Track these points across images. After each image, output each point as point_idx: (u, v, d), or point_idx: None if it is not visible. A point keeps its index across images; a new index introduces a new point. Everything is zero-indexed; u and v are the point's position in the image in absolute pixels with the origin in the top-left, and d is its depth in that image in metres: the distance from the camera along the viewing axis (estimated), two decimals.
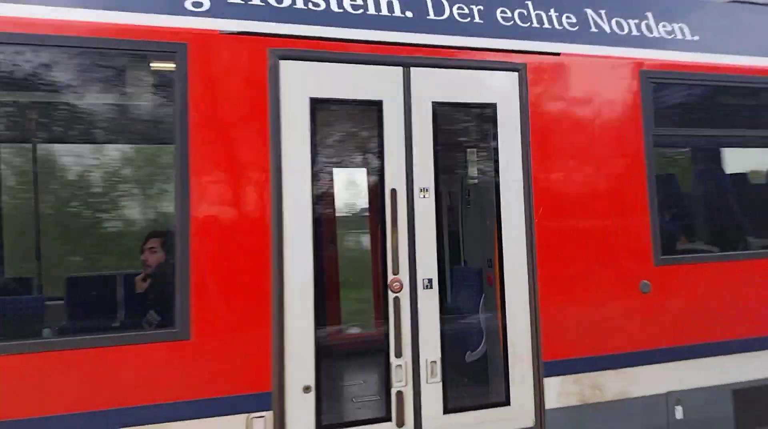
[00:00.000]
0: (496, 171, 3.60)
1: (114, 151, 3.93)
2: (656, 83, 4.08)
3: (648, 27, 4.18)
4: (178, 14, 3.11)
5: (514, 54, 3.74)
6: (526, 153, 3.65)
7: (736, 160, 4.49)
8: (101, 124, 3.43)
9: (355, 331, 3.43)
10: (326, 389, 3.24)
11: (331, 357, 3.43)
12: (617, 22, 4.11)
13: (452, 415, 3.42)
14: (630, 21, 4.12)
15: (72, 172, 3.89)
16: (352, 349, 3.50)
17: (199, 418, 2.98)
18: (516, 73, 3.70)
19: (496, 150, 3.61)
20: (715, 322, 4.05)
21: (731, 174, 4.56)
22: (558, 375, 3.70)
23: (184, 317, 2.96)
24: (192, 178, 3.02)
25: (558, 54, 3.87)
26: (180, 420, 2.95)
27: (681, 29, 4.25)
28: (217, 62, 3.13)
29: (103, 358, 2.84)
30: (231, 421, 3.04)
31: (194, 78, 3.07)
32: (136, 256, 3.45)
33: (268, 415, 3.09)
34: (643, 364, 3.89)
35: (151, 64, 3.15)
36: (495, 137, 3.62)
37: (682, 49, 4.19)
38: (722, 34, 4.31)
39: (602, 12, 4.07)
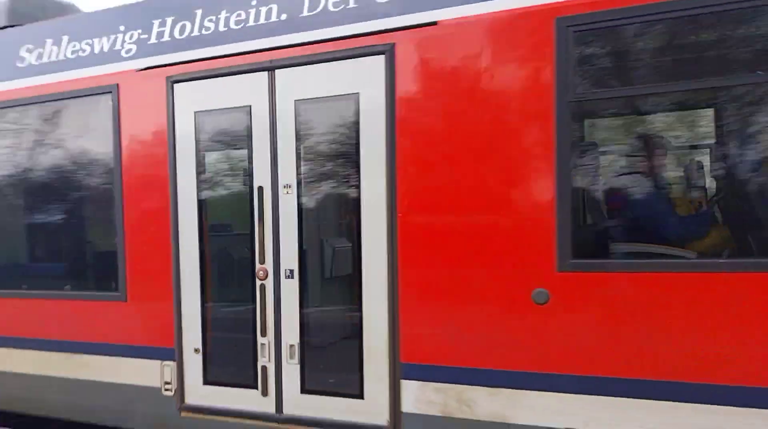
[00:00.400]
0: (357, 164, 3.49)
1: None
2: (580, 32, 3.02)
3: None
4: (114, 61, 4.18)
5: (380, 35, 3.44)
6: (390, 143, 3.39)
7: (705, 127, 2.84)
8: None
9: (234, 309, 3.96)
10: (211, 353, 3.98)
11: (215, 329, 4.09)
12: None
13: (309, 396, 3.69)
14: None
15: None
16: (232, 324, 4.05)
17: (128, 357, 4.18)
18: (382, 56, 3.42)
19: (357, 142, 3.49)
20: (647, 353, 2.93)
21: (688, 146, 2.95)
22: (417, 379, 3.43)
23: (122, 286, 4.17)
24: (125, 191, 4.13)
25: (435, 23, 3.32)
26: (114, 356, 4.21)
27: None
28: (136, 95, 4.10)
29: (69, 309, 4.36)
30: (150, 364, 4.14)
31: (124, 108, 4.12)
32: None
33: (173, 364, 4.07)
34: (531, 389, 3.18)
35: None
36: (357, 129, 3.49)
37: None
38: None
39: None
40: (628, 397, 2.97)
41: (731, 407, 2.79)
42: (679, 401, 2.89)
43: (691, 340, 2.85)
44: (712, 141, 3.57)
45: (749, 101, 2.88)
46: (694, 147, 3.79)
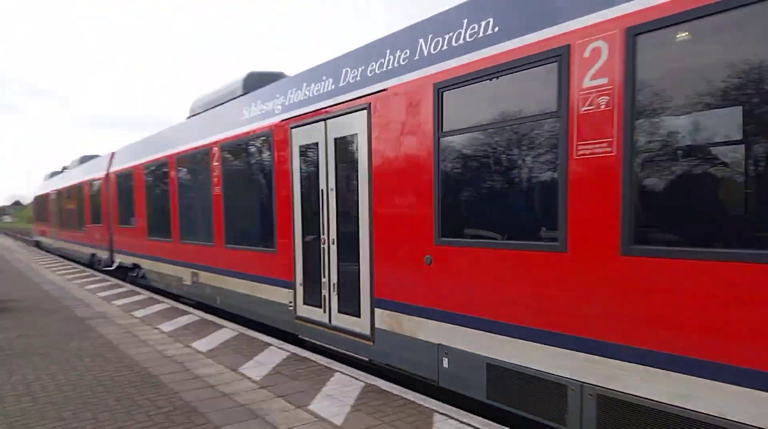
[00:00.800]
0: (356, 176, 6.17)
1: None
2: (443, 89, 5.08)
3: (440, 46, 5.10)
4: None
5: (365, 98, 5.98)
6: (368, 163, 5.93)
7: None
8: None
9: (315, 261, 7.06)
10: (305, 286, 7.16)
11: (307, 272, 7.17)
12: (419, 52, 5.31)
13: (341, 314, 6.64)
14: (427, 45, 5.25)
15: None
16: (315, 270, 7.04)
17: (276, 286, 7.60)
18: (365, 111, 6.01)
19: (357, 163, 6.14)
20: (481, 301, 4.85)
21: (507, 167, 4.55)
22: (381, 308, 6.00)
23: (274, 245, 7.63)
24: (276, 188, 7.52)
25: (385, 89, 5.71)
26: (270, 285, 7.76)
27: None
28: (281, 135, 7.40)
29: None
30: (285, 291, 7.52)
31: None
32: None
33: (292, 292, 7.39)
34: (423, 317, 5.49)
35: None
36: (355, 155, 6.15)
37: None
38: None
39: (400, 52, 5.54)
40: (471, 328, 5.02)
41: (530, 342, 4.48)
42: (492, 332, 4.79)
43: (497, 288, 4.71)
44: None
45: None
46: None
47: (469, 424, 4.72)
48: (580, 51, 3.99)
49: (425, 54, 5.26)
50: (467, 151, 4.90)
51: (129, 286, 13.67)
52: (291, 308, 7.44)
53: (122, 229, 14.69)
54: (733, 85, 3.32)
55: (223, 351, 7.25)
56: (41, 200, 29.81)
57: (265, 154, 7.82)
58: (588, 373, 4.06)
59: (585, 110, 3.96)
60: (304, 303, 7.18)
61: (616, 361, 3.89)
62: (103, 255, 16.95)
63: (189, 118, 10.97)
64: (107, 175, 15.95)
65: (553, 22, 4.18)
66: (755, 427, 3.29)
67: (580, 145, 4.01)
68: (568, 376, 4.18)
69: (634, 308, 3.76)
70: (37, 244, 32.55)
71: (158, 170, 11.85)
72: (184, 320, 9.34)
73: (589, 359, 4.04)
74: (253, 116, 8.14)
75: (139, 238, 13.27)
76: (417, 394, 5.50)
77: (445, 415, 4.94)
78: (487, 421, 4.85)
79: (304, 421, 4.83)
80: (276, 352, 7.10)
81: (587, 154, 3.97)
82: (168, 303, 11.11)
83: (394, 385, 5.80)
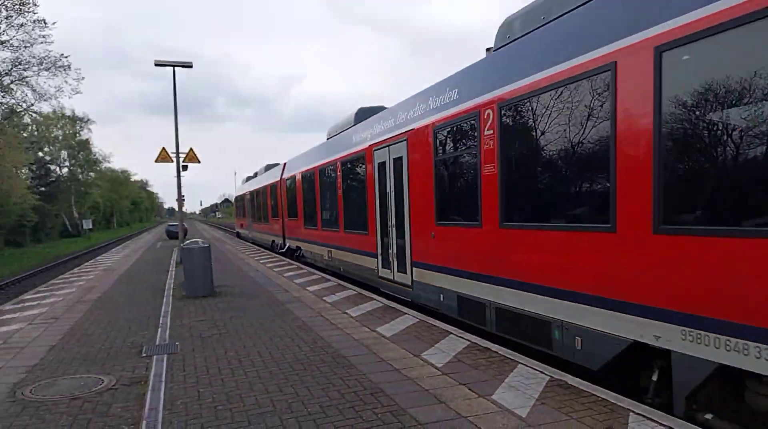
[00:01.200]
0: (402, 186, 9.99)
1: None
2: (436, 130, 8.54)
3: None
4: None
5: (405, 133, 9.58)
6: (408, 178, 9.50)
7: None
8: None
9: (385, 239, 10.96)
10: (381, 255, 11.04)
11: (383, 246, 10.91)
12: (427, 106, 8.89)
13: (398, 273, 10.12)
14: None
15: None
16: (389, 244, 10.68)
17: (367, 256, 11.80)
18: (405, 142, 9.50)
19: (402, 178, 9.82)
20: (455, 258, 8.06)
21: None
22: (416, 268, 9.33)
23: (368, 227, 11.74)
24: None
25: (413, 129, 9.28)
26: (363, 256, 12.12)
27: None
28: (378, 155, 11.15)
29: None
30: (372, 259, 11.55)
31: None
32: None
33: (375, 260, 11.43)
34: (432, 271, 8.77)
35: None
36: (402, 172, 9.69)
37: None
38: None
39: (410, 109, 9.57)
40: (452, 275, 8.22)
41: (474, 282, 7.71)
42: (460, 277, 7.98)
43: (462, 250, 7.89)
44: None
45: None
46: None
47: (669, 427, 4.34)
48: (483, 115, 7.17)
49: (430, 108, 8.75)
50: (445, 169, 8.35)
51: (320, 274, 14.88)
52: (376, 270, 11.33)
53: (290, 220, 20.02)
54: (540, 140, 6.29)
55: (405, 337, 7.54)
56: (239, 199, 38.11)
57: (361, 169, 11.89)
58: (492, 297, 7.30)
59: (485, 148, 7.22)
60: (382, 267, 11.03)
61: (505, 288, 6.99)
62: (279, 240, 22.74)
63: (327, 140, 15.63)
64: (280, 180, 21.58)
65: (477, 95, 7.37)
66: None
67: (484, 166, 7.27)
68: (487, 298, 7.43)
69: (510, 258, 6.84)
70: (238, 235, 40.38)
71: (309, 178, 16.60)
72: (368, 306, 9.91)
73: (493, 289, 7.26)
74: (357, 142, 12.27)
75: (299, 228, 18.44)
76: (610, 393, 5.19)
77: (642, 416, 4.59)
78: (682, 422, 4.41)
79: (487, 410, 4.83)
80: (456, 340, 7.21)
81: (487, 172, 7.22)
82: (354, 289, 11.88)
83: (582, 381, 5.53)
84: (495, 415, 4.69)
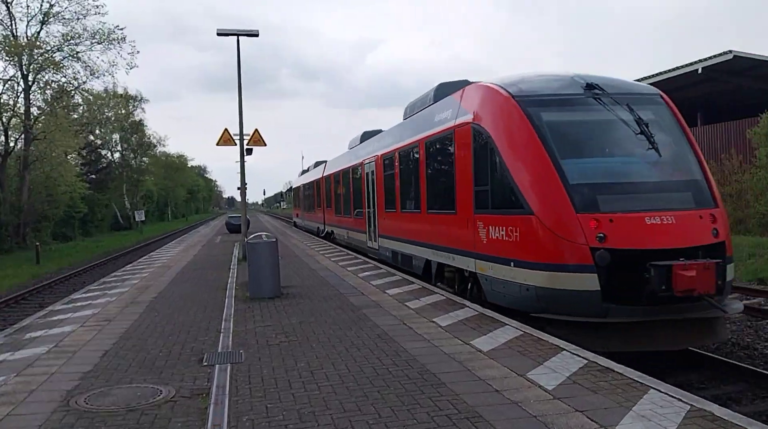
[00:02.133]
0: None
1: None
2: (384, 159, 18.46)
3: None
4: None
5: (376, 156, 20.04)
6: (378, 182, 19.44)
7: None
8: None
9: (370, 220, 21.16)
10: (372, 231, 20.51)
11: (372, 224, 20.49)
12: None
13: (371, 240, 20.33)
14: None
15: None
16: (371, 224, 20.63)
17: (359, 233, 23.06)
18: (374, 161, 19.69)
19: (368, 182, 21.08)
20: (395, 231, 17.19)
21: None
22: (381, 237, 18.62)
23: (362, 213, 22.10)
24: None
25: (378, 156, 19.57)
26: (356, 232, 23.52)
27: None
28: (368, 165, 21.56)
29: None
30: (364, 236, 21.74)
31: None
32: None
33: (366, 234, 21.54)
34: (386, 238, 18.14)
35: None
36: (370, 178, 20.34)
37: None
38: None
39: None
40: (392, 240, 17.53)
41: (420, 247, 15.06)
42: (397, 241, 16.88)
43: (397, 226, 17.01)
44: None
45: None
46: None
47: None
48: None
49: (379, 146, 19.23)
50: (391, 177, 17.42)
51: (401, 275, 14.93)
52: (365, 240, 20.72)
53: (328, 209, 30.77)
54: None
55: (506, 352, 7.43)
56: (295, 191, 51.81)
57: (356, 176, 22.92)
58: (418, 253, 14.78)
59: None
60: (369, 238, 20.01)
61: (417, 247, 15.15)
62: (321, 226, 33.53)
63: (348, 149, 27.01)
64: (322, 176, 32.49)
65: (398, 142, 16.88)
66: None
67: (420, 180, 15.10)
68: (417, 255, 14.93)
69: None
70: (294, 224, 51.44)
71: (338, 177, 26.93)
72: (460, 314, 9.84)
73: (415, 249, 15.03)
74: (353, 159, 23.58)
75: (332, 215, 29.20)
76: None
77: None
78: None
79: None
80: (570, 358, 7.01)
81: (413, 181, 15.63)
82: (442, 294, 11.87)
83: (729, 411, 5.22)
84: None
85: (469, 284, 11.80)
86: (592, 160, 9.62)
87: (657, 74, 26.89)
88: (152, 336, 9.06)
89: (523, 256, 9.27)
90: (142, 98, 78.60)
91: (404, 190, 16.07)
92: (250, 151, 20.68)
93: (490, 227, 10.23)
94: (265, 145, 20.54)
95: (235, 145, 20.19)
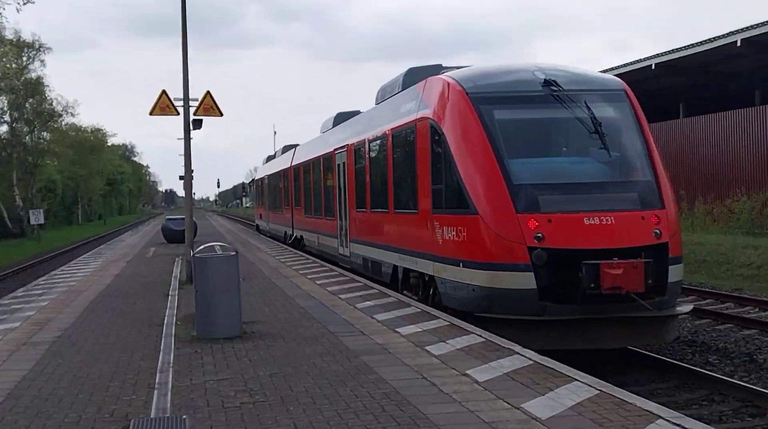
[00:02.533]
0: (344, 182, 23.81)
1: None
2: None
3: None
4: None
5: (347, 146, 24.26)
6: (349, 177, 23.72)
7: None
8: None
9: (340, 223, 26.19)
10: (343, 235, 25.46)
11: (342, 228, 25.37)
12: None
13: (342, 247, 24.57)
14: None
15: None
16: (339, 227, 26.34)
17: (330, 237, 28.80)
18: (345, 151, 23.71)
19: (342, 177, 24.42)
20: (366, 234, 20.89)
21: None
22: (354, 243, 22.17)
23: (334, 214, 26.28)
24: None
25: (346, 146, 24.68)
26: (329, 237, 27.82)
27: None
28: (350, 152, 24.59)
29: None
30: (335, 241, 26.39)
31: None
32: None
33: (338, 240, 26.40)
34: (356, 244, 22.19)
35: None
36: (343, 172, 24.09)
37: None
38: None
39: None
40: (363, 245, 21.39)
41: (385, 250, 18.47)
42: (366, 246, 20.40)
43: (369, 229, 20.02)
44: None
45: None
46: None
47: None
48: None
49: (346, 135, 24.32)
50: (362, 170, 21.24)
51: (419, 307, 13.84)
52: (336, 246, 24.61)
53: (297, 209, 34.32)
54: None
55: (577, 419, 6.72)
56: (259, 184, 51.81)
57: (328, 168, 27.69)
58: (387, 258, 18.26)
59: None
60: (340, 244, 23.24)
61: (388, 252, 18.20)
62: (288, 231, 37.16)
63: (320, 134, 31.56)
64: (290, 166, 35.31)
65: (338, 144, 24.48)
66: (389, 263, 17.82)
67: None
68: (385, 260, 18.37)
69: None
70: (258, 229, 53.24)
71: (309, 168, 30.78)
72: (506, 364, 8.83)
73: (383, 253, 18.51)
74: (325, 146, 29.03)
75: (302, 215, 33.02)
76: None
77: None
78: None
79: None
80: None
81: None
82: (478, 335, 10.65)
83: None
84: None
85: (431, 290, 14.18)
86: (539, 160, 12.64)
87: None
88: (54, 394, 8.15)
89: (470, 256, 12.16)
90: (41, 46, 72.20)
91: (374, 186, 18.25)
92: (199, 124, 18.86)
93: (445, 228, 13.06)
94: (221, 114, 19.07)
95: (177, 114, 18.47)
